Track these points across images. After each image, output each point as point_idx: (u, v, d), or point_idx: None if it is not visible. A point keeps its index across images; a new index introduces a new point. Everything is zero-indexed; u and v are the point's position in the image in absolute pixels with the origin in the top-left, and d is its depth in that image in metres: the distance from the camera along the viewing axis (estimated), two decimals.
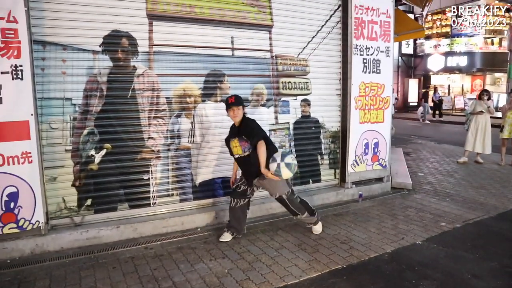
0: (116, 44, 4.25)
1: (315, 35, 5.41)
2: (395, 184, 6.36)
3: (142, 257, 3.88)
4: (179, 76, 4.59)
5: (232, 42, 4.84)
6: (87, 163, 4.23)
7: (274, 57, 5.16)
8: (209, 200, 4.92)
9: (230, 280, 3.43)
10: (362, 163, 5.84)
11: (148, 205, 4.58)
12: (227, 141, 4.19)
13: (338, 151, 5.82)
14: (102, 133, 4.27)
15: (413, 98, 26.65)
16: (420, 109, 20.30)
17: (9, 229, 3.81)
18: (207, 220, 4.73)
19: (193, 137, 4.74)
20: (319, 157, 5.71)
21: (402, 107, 26.03)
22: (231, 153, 4.20)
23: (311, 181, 5.68)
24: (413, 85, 26.72)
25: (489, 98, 8.90)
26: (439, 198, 5.89)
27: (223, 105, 4.27)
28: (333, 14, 5.54)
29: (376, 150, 5.96)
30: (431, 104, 20.86)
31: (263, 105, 5.13)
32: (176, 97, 4.60)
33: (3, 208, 3.76)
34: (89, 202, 4.30)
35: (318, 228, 4.51)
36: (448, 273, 3.57)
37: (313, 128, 5.61)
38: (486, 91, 8.81)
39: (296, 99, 5.38)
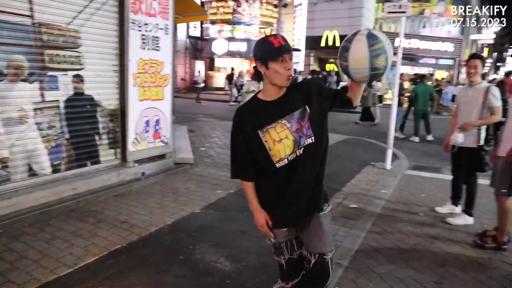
0: None
1: (88, 5, 4.97)
2: (178, 160, 6.59)
3: None
4: None
5: None
6: None
7: (37, 25, 4.50)
8: None
9: None
10: (143, 141, 5.80)
11: None
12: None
13: (117, 130, 5.59)
14: None
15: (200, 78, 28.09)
16: (234, 91, 20.20)
17: None
18: None
19: None
20: (96, 137, 5.36)
21: (190, 88, 27.10)
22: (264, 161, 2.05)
23: (89, 163, 5.28)
24: (200, 66, 28.13)
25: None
26: (218, 169, 6.42)
27: None
28: None
29: (157, 128, 6.01)
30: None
31: (24, 80, 4.44)
32: None
33: None
34: None
35: None
36: (221, 233, 3.95)
37: (88, 107, 5.20)
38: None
39: (66, 74, 4.85)
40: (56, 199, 4.66)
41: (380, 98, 14.59)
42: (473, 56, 4.37)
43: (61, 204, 4.56)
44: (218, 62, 28.67)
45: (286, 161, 1.98)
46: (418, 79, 12.08)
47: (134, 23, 5.43)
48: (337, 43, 22.66)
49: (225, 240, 3.80)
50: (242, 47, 26.46)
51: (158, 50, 5.86)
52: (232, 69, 22.36)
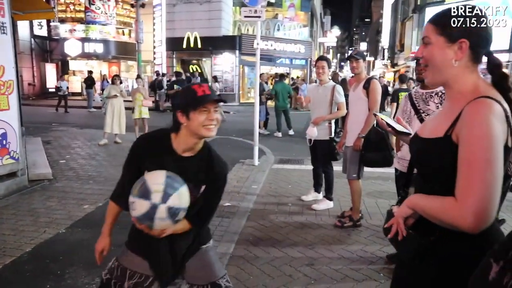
0: None
1: None
2: (34, 176, 5.86)
3: None
4: None
5: None
6: None
7: None
8: None
9: None
10: None
11: None
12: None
13: None
14: None
15: (51, 83, 25.30)
16: (97, 96, 18.85)
17: None
18: None
19: None
20: None
21: (41, 93, 24.32)
22: None
23: None
24: (51, 69, 25.38)
25: (121, 82, 9.67)
26: (82, 182, 5.91)
27: None
28: None
29: (4, 142, 5.24)
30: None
31: None
32: None
33: None
34: None
35: None
36: (93, 252, 3.64)
37: None
38: (118, 76, 9.58)
39: None
40: None
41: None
42: (320, 58, 4.93)
43: None
44: (72, 65, 26.27)
45: None
46: (277, 78, 13.03)
47: None
48: (199, 45, 22.98)
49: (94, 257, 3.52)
50: (99, 48, 24.77)
51: None
52: (90, 72, 20.67)
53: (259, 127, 9.83)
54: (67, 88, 18.19)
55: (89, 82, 19.33)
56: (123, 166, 1.96)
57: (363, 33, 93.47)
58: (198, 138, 1.80)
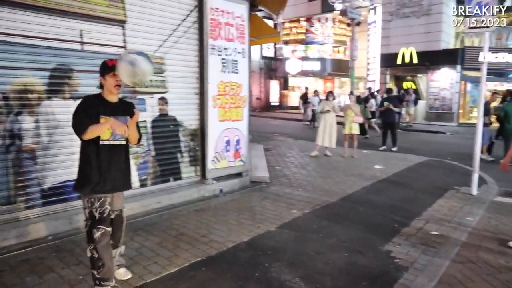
0: None
1: (172, 34, 5.41)
2: (254, 178, 6.77)
3: None
4: (18, 69, 4.11)
5: (81, 35, 4.53)
6: None
7: None
8: (61, 205, 4.52)
9: (84, 286, 3.23)
10: (223, 160, 6.07)
11: None
12: (91, 117, 2.91)
13: (198, 148, 5.93)
14: None
15: (274, 98, 28.74)
16: (309, 111, 18.86)
17: None
18: (60, 226, 4.35)
19: (38, 137, 4.30)
20: (179, 155, 5.74)
21: (265, 106, 27.74)
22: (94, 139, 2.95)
23: (172, 179, 5.67)
24: (274, 86, 28.79)
25: (334, 99, 10.13)
26: (293, 189, 6.47)
27: (72, 102, 3.99)
28: (189, 14, 5.62)
29: (237, 147, 6.27)
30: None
31: None
32: (15, 93, 4.11)
33: None
34: None
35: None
36: (296, 253, 3.96)
37: (171, 127, 5.61)
38: (331, 92, 10.05)
39: (152, 97, 5.31)
40: (142, 211, 5.04)
41: (373, 114, 15.29)
42: None
43: (147, 217, 4.91)
44: (292, 81, 29.04)
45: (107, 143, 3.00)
46: (508, 96, 11.16)
47: (213, 48, 5.77)
48: (414, 60, 21.76)
49: (300, 260, 3.81)
50: (316, 66, 26.59)
51: (237, 73, 6.16)
52: (306, 88, 22.37)
53: (482, 151, 8.64)
54: (319, 102, 15.85)
55: (304, 98, 20.83)
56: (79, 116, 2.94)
57: None
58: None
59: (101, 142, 2.97)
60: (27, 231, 4.12)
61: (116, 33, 4.85)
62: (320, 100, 13.82)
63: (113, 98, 3.06)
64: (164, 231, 4.48)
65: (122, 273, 3.38)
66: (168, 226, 4.63)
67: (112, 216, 3.23)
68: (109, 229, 3.07)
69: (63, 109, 4.41)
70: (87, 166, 2.99)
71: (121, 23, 4.88)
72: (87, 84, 4.57)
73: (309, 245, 4.17)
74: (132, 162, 5.07)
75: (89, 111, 2.93)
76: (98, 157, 2.98)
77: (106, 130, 2.95)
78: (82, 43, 4.55)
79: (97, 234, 2.95)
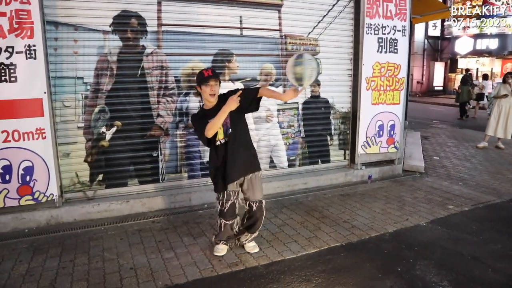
0: (126, 24, 4.34)
1: (326, 14, 5.35)
2: (407, 167, 6.30)
3: (148, 230, 4.04)
4: (187, 55, 4.67)
5: (240, 21, 4.85)
6: (98, 140, 4.40)
7: (283, 37, 5.15)
8: None
9: (230, 253, 3.54)
10: (374, 145, 5.80)
11: (157, 180, 4.73)
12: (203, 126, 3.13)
13: (348, 132, 5.80)
14: (113, 111, 4.41)
15: (438, 82, 25.93)
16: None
17: (26, 200, 4.02)
18: (214, 196, 4.83)
19: None
20: (328, 138, 5.71)
21: (427, 91, 25.38)
22: (212, 141, 3.25)
23: (320, 161, 5.70)
24: (439, 68, 25.96)
25: None
26: (451, 182, 5.81)
27: (231, 84, 4.35)
28: None
29: (392, 133, 5.90)
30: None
31: (271, 85, 5.15)
32: (184, 76, 4.68)
33: (20, 181, 3.96)
34: (100, 177, 4.48)
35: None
36: (447, 254, 3.56)
37: (323, 109, 5.60)
38: (510, 73, 8.51)
39: None
40: (289, 190, 5.23)
41: (481, 96, 14.52)
42: None
43: (292, 196, 5.07)
44: (461, 63, 25.75)
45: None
46: None
47: (370, 28, 5.48)
48: None
49: (451, 263, 3.41)
50: (493, 44, 22.97)
51: (395, 52, 5.74)
52: (467, 70, 19.09)
53: None
54: (493, 87, 13.32)
55: (465, 81, 18.02)
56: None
57: None
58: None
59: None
60: (188, 198, 4.71)
61: (273, 17, 5.03)
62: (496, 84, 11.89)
63: (212, 104, 3.25)
64: (308, 212, 4.56)
65: (251, 246, 3.61)
66: (312, 207, 4.69)
67: (254, 208, 3.42)
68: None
69: (222, 91, 4.82)
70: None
71: (277, 7, 5.04)
72: (245, 67, 4.90)
73: (465, 248, 3.70)
74: (282, 142, 5.34)
75: (201, 120, 3.21)
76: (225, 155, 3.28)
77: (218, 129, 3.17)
78: (241, 28, 4.88)
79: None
